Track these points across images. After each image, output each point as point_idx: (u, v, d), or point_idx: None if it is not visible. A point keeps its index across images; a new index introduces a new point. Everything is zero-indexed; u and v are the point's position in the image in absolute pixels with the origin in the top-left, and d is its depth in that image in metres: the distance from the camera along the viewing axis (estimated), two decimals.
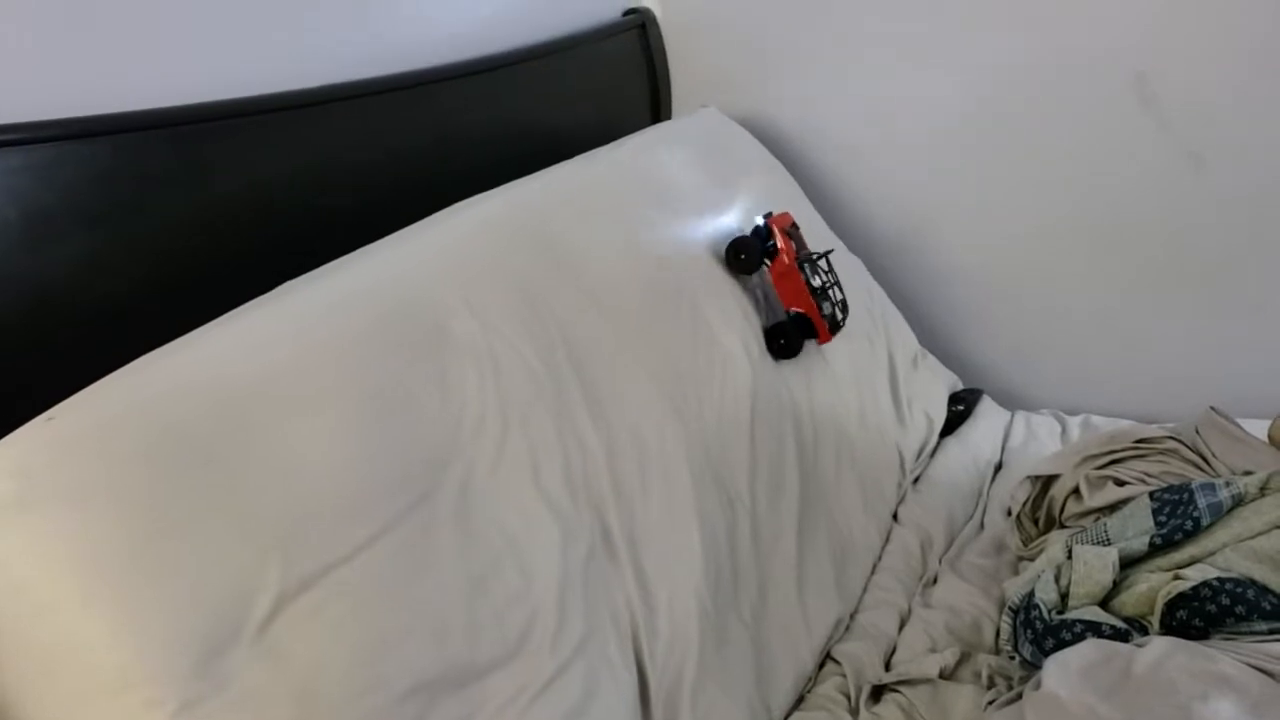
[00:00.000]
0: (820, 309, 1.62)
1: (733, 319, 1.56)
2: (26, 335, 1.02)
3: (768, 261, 1.63)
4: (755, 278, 1.67)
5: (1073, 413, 1.96)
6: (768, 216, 1.66)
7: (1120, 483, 1.44)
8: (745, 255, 1.62)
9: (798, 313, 1.63)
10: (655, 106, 2.13)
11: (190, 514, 0.87)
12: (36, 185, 1.02)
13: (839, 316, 1.66)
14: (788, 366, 1.61)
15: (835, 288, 1.68)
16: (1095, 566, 1.23)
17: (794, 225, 1.68)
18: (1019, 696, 1.15)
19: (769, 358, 1.58)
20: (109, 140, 1.08)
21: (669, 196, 1.64)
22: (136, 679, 0.80)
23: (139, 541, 0.84)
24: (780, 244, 1.62)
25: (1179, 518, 1.25)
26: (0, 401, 0.89)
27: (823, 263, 1.68)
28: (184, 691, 0.81)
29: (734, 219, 1.70)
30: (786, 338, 1.62)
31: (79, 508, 0.83)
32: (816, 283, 1.63)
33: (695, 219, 1.63)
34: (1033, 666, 1.20)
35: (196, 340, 1.01)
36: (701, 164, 1.77)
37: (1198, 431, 1.50)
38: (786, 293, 1.63)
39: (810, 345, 1.66)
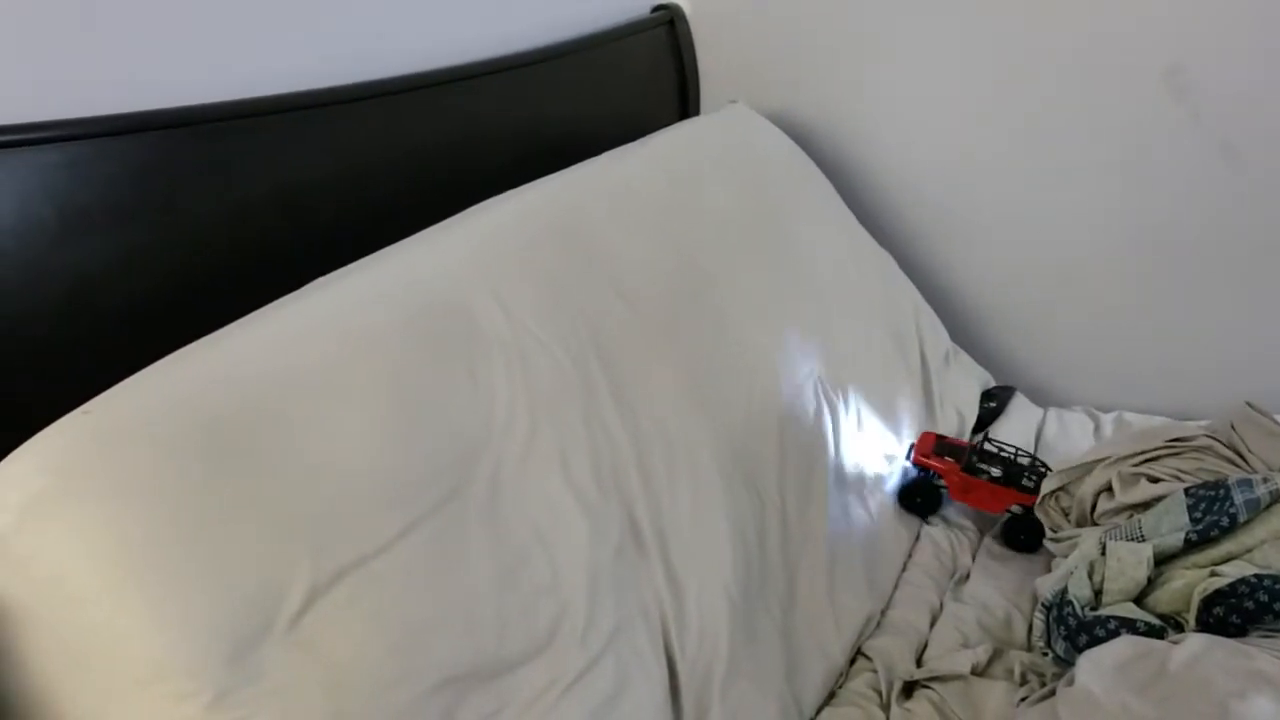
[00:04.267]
0: (1023, 489, 1.56)
1: (762, 316, 1.55)
2: (62, 330, 1.03)
3: (943, 487, 1.60)
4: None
5: (1106, 409, 1.94)
6: (910, 454, 1.62)
7: (1154, 479, 1.43)
8: (922, 499, 1.59)
9: (1016, 507, 1.58)
10: (684, 102, 2.12)
11: (223, 507, 0.88)
12: (72, 182, 1.03)
13: (1042, 473, 1.58)
14: (814, 360, 1.60)
15: (1017, 455, 1.61)
16: (1129, 563, 1.22)
17: (939, 438, 1.64)
18: (1052, 693, 1.14)
19: (799, 353, 1.57)
20: (143, 137, 1.09)
21: (697, 192, 1.63)
22: (170, 671, 0.81)
23: (173, 534, 0.85)
24: (941, 470, 1.58)
25: (1215, 514, 1.23)
26: (36, 396, 0.91)
27: (988, 445, 1.62)
28: (217, 683, 0.81)
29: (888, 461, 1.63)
30: (1025, 532, 1.56)
31: (114, 501, 0.84)
32: (999, 472, 1.57)
33: (722, 215, 1.63)
34: (1066, 663, 1.19)
35: (230, 335, 1.03)
36: (730, 160, 1.77)
37: (1233, 427, 1.48)
38: (985, 502, 1.58)
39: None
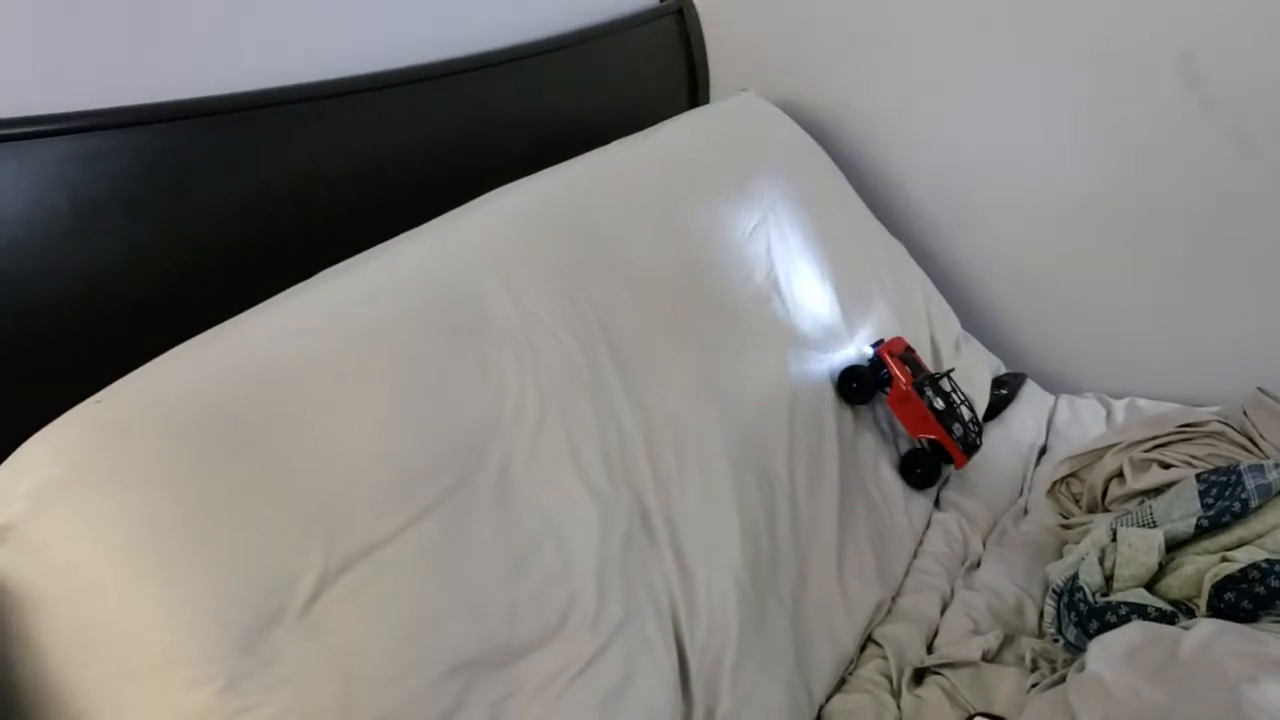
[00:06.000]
0: (950, 432, 1.57)
1: (770, 304, 1.55)
2: (74, 320, 1.03)
3: (885, 390, 1.60)
4: (879, 407, 1.64)
5: (1118, 396, 1.94)
6: (878, 345, 1.62)
7: (1165, 465, 1.43)
8: (858, 385, 1.59)
9: (929, 439, 1.60)
10: (693, 91, 2.12)
11: (234, 496, 0.89)
12: (85, 173, 1.03)
13: (973, 436, 1.61)
14: (825, 347, 1.60)
15: (964, 406, 1.63)
16: (1140, 549, 1.22)
17: (908, 349, 1.64)
18: (1062, 679, 1.14)
19: (809, 339, 1.57)
20: (156, 129, 1.10)
21: (706, 181, 1.63)
22: (181, 658, 0.82)
23: (184, 523, 0.86)
24: (895, 371, 1.58)
25: (1227, 499, 1.23)
26: (49, 386, 0.91)
27: (944, 382, 1.63)
28: (228, 670, 0.82)
29: (847, 348, 1.64)
30: (923, 466, 1.60)
31: (125, 490, 0.85)
32: (940, 405, 1.58)
33: (732, 203, 1.62)
34: (1077, 649, 1.18)
35: (240, 326, 1.03)
36: (739, 148, 1.77)
37: (1245, 413, 1.47)
38: (910, 420, 1.60)
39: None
